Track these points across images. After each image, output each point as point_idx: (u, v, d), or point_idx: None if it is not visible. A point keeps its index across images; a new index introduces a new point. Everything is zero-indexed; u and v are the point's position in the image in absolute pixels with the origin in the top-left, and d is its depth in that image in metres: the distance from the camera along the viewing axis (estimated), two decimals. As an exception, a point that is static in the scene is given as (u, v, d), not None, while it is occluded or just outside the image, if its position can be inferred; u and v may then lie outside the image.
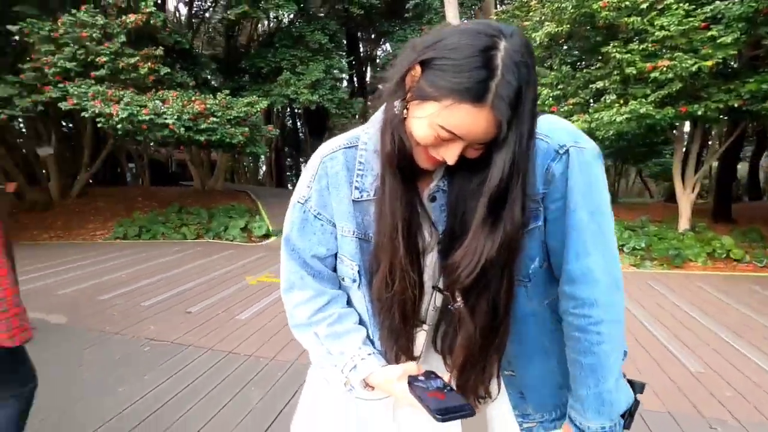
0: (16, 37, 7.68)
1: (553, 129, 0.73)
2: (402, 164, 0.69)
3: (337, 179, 0.78)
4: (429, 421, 0.91)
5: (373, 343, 0.83)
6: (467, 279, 0.66)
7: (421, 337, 0.81)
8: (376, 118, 0.78)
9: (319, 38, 9.91)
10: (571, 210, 0.71)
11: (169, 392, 2.43)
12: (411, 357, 0.80)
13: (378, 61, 17.94)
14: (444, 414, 0.62)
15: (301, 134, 22.95)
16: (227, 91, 8.33)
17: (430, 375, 0.72)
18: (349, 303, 0.86)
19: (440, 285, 0.78)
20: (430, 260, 0.78)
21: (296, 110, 19.38)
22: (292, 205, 0.83)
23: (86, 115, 6.91)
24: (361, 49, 17.80)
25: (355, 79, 17.30)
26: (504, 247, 0.65)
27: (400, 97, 0.66)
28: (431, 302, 0.81)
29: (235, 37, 13.57)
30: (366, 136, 0.78)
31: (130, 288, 4.53)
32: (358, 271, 0.80)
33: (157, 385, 2.51)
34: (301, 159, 23.35)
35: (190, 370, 2.71)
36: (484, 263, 0.65)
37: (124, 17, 7.47)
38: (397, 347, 0.79)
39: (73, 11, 7.32)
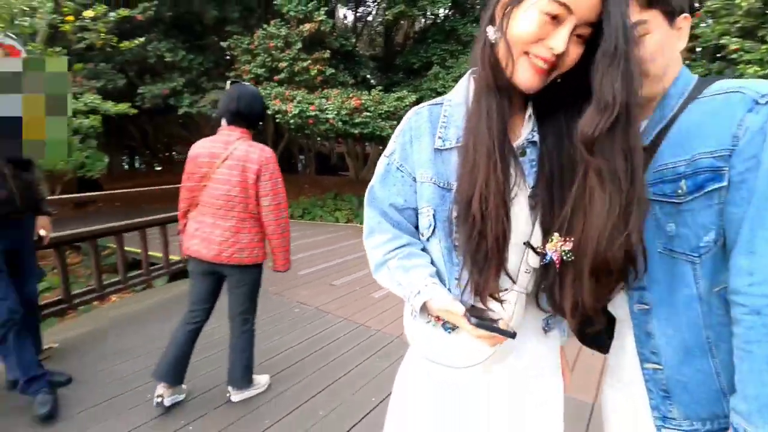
0: (228, 52, 9.65)
1: (748, 82, 0.67)
2: (497, 84, 0.72)
3: (420, 131, 0.83)
4: (522, 403, 0.88)
5: (449, 291, 0.83)
6: (608, 122, 0.63)
7: (511, 301, 0.77)
8: (461, 82, 0.82)
9: (472, 30, 9.79)
10: (766, 167, 0.61)
11: (310, 348, 2.82)
12: (496, 290, 0.77)
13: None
14: (480, 321, 0.70)
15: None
16: (380, 88, 8.95)
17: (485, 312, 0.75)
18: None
19: (532, 242, 0.75)
20: (519, 211, 0.76)
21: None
22: (380, 159, 0.90)
23: (269, 113, 8.29)
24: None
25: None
26: (630, 83, 0.63)
27: (491, 24, 0.71)
28: (523, 261, 0.77)
29: (392, 37, 14.38)
30: (451, 95, 0.83)
31: (292, 258, 5.30)
32: (434, 215, 0.81)
33: (301, 341, 2.94)
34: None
35: (328, 333, 3.07)
36: (620, 107, 0.62)
37: (301, 27, 8.65)
38: (488, 274, 0.75)
39: (264, 26, 8.81)
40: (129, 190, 5.88)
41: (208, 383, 2.35)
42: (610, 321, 0.96)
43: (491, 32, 0.71)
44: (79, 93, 6.67)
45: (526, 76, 0.70)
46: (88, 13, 5.04)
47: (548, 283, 0.77)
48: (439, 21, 12.35)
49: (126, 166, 24.03)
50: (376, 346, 2.87)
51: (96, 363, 2.56)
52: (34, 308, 2.37)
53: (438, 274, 0.85)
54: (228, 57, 10.52)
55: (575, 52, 0.68)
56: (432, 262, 0.86)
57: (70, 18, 4.94)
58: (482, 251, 0.75)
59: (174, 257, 4.07)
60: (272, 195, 1.99)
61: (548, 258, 0.71)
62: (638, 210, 0.65)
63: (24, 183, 2.04)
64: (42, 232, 2.33)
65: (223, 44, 9.21)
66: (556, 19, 0.65)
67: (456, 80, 9.48)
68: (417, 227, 0.90)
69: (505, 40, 0.69)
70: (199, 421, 2.05)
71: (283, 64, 8.41)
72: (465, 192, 0.75)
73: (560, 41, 0.65)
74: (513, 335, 0.71)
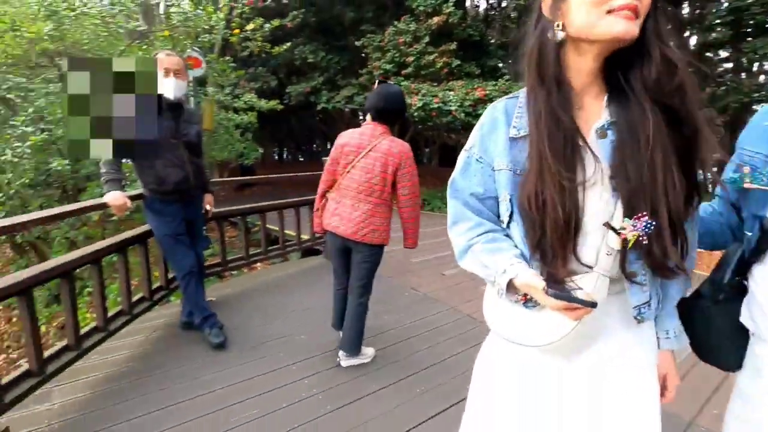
0: (363, 51, 10.33)
1: None
2: (554, 79, 0.78)
3: (497, 123, 0.88)
4: (595, 385, 0.87)
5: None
6: (665, 73, 0.73)
7: (590, 283, 0.78)
8: None
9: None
10: None
11: (415, 330, 2.96)
12: (567, 276, 0.80)
13: (707, 22, 13.95)
14: (557, 292, 0.73)
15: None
16: (508, 77, 8.58)
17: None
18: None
19: (613, 223, 0.75)
20: (599, 194, 0.78)
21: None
22: (461, 153, 0.96)
23: (395, 106, 8.64)
24: (686, 10, 14.22)
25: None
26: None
27: (546, 27, 0.77)
28: (603, 243, 0.78)
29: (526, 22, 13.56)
30: (526, 88, 0.86)
31: (406, 246, 5.54)
32: (510, 200, 0.86)
33: (408, 323, 3.10)
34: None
35: (434, 319, 3.18)
36: (673, 66, 0.73)
37: (429, 20, 8.78)
38: (555, 264, 0.79)
39: (395, 23, 9.17)
40: (274, 176, 6.79)
41: (327, 346, 2.67)
42: (737, 335, 0.86)
43: (551, 32, 0.77)
44: (241, 94, 7.92)
45: (622, 27, 0.71)
46: (250, 26, 5.98)
47: (642, 249, 0.77)
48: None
49: (276, 157, 27.52)
50: (478, 337, 2.84)
51: (242, 317, 3.11)
52: (201, 267, 2.98)
53: (522, 256, 0.88)
54: (363, 55, 11.25)
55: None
56: (515, 245, 0.89)
57: (237, 31, 5.92)
58: (545, 243, 0.79)
59: (304, 236, 4.62)
60: (409, 186, 2.26)
61: (643, 229, 0.73)
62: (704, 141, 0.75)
63: (196, 166, 2.58)
64: (207, 207, 2.90)
65: (357, 43, 9.87)
66: None
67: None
68: (499, 216, 0.93)
69: (580, 14, 0.74)
70: (314, 377, 2.35)
71: (410, 59, 8.68)
72: (523, 186, 0.80)
73: None
74: (593, 305, 0.71)
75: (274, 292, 3.68)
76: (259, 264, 4.31)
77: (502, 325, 0.93)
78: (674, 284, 0.89)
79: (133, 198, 2.49)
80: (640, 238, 0.74)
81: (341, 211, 2.31)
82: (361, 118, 13.82)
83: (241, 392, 2.19)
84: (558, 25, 0.76)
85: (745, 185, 0.82)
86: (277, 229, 4.37)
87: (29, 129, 3.87)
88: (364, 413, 2.06)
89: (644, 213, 0.73)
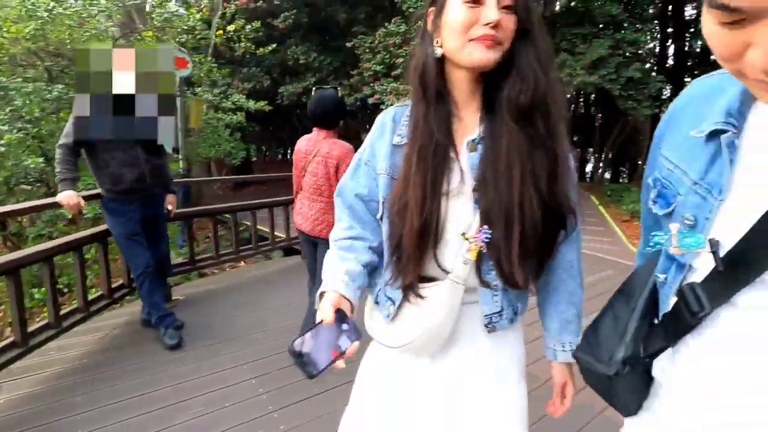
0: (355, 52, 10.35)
1: None
2: (434, 93, 0.81)
3: (385, 129, 0.91)
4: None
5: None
6: (530, 91, 0.75)
7: (443, 290, 0.82)
8: None
9: (610, 9, 8.63)
10: None
11: (373, 332, 2.97)
12: (416, 285, 0.84)
13: (699, 25, 13.81)
14: (289, 348, 0.68)
15: (597, 122, 20.65)
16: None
17: (346, 325, 0.73)
18: (376, 251, 0.93)
19: (469, 234, 0.79)
20: (462, 205, 0.81)
21: (591, 95, 17.59)
22: (354, 155, 1.00)
23: (383, 107, 8.67)
24: (689, 13, 14.12)
25: (671, 50, 14.11)
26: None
27: (429, 41, 0.80)
28: (459, 253, 0.81)
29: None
30: None
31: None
32: (382, 203, 0.89)
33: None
34: (590, 148, 21.03)
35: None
36: (540, 90, 0.75)
37: (419, 22, 8.77)
38: (406, 271, 0.83)
39: (386, 24, 9.19)
40: (252, 176, 6.81)
41: (283, 347, 2.66)
42: (644, 390, 0.71)
43: (431, 48, 0.80)
44: (231, 93, 7.96)
45: (479, 55, 0.75)
46: (231, 28, 6.02)
47: (494, 257, 0.80)
48: (573, 3, 11.19)
49: (280, 156, 27.65)
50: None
51: (206, 315, 3.12)
52: (164, 266, 2.99)
53: (368, 266, 0.91)
54: (355, 56, 11.28)
55: (508, 25, 0.74)
56: (366, 261, 0.91)
57: (220, 33, 5.96)
58: (399, 251, 0.83)
59: (280, 235, 4.64)
60: None
61: (482, 240, 0.77)
62: (562, 166, 0.78)
63: (153, 166, 2.59)
64: (169, 207, 2.92)
65: (348, 44, 9.90)
66: (477, 3, 0.73)
67: (585, 68, 8.48)
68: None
69: (443, 36, 0.77)
70: (263, 377, 2.37)
71: (399, 60, 8.69)
72: (391, 191, 0.85)
73: (491, 13, 0.72)
74: (310, 376, 0.68)
75: (246, 290, 3.71)
76: (243, 262, 4.33)
77: (372, 328, 0.97)
78: (562, 298, 0.92)
79: (88, 198, 2.52)
80: (482, 249, 0.78)
81: (302, 210, 2.47)
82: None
83: (188, 391, 2.21)
84: (437, 42, 0.79)
85: (672, 250, 0.59)
86: (250, 226, 4.39)
87: (5, 127, 3.92)
88: (306, 414, 2.07)
89: (484, 227, 0.77)
